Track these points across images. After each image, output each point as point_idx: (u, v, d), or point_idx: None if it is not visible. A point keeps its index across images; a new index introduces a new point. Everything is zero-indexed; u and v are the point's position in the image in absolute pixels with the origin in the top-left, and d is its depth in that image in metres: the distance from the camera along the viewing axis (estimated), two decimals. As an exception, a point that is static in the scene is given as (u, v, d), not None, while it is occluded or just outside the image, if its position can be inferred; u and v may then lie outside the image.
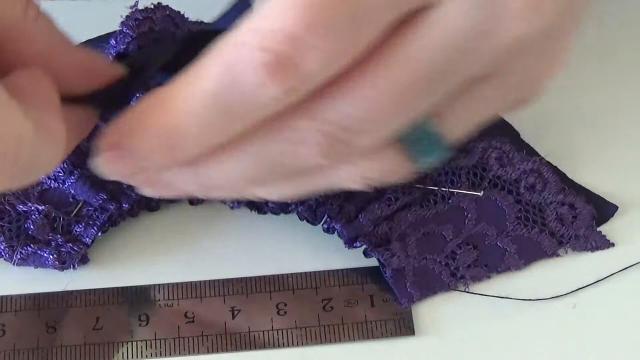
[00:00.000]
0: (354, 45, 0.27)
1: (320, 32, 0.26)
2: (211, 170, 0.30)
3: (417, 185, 0.46)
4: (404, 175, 0.33)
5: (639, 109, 0.51)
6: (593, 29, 0.32)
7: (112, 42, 0.48)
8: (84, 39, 0.50)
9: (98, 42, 0.50)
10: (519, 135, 0.49)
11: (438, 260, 0.45)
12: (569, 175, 0.48)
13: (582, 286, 0.45)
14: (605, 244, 0.46)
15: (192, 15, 0.50)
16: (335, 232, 0.45)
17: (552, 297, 0.45)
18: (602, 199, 0.47)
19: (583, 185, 0.47)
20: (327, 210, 0.45)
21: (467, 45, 0.28)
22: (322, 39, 0.26)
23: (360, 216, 0.45)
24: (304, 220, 0.46)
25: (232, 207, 0.46)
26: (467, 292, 0.44)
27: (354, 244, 0.45)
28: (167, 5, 0.49)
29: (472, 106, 0.31)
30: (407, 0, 0.28)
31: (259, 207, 0.47)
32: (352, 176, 0.32)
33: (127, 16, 0.48)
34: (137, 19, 0.48)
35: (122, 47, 0.48)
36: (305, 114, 0.28)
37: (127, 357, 0.43)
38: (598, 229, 0.46)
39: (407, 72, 0.28)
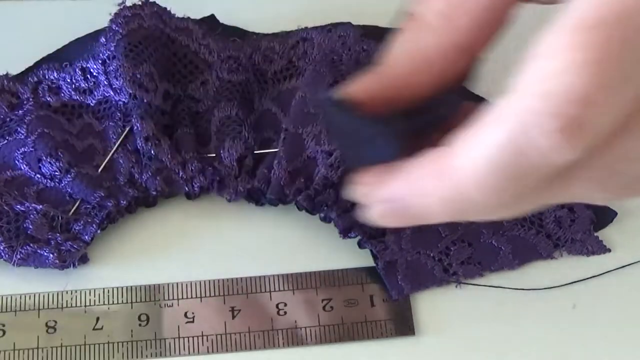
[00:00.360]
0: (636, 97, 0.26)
1: (611, 90, 0.25)
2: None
3: None
4: None
5: None
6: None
7: (102, 39, 0.48)
8: (73, 38, 0.51)
9: (88, 40, 0.50)
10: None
11: (431, 255, 0.45)
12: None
13: (578, 279, 0.45)
14: (601, 249, 0.46)
15: (178, 11, 0.51)
16: (332, 222, 0.45)
17: (547, 288, 0.45)
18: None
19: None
20: (324, 199, 0.45)
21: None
22: (613, 96, 0.25)
23: (356, 207, 0.45)
24: (303, 210, 0.46)
25: (229, 200, 0.46)
26: (461, 284, 0.45)
27: (349, 234, 0.45)
28: (155, 2, 0.49)
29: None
30: None
31: (257, 198, 0.47)
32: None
33: (115, 14, 0.48)
34: (125, 16, 0.48)
35: (112, 44, 0.47)
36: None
37: (127, 357, 0.43)
38: (596, 234, 0.46)
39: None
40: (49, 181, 0.46)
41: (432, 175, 0.28)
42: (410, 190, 0.28)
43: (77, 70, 0.49)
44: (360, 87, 0.28)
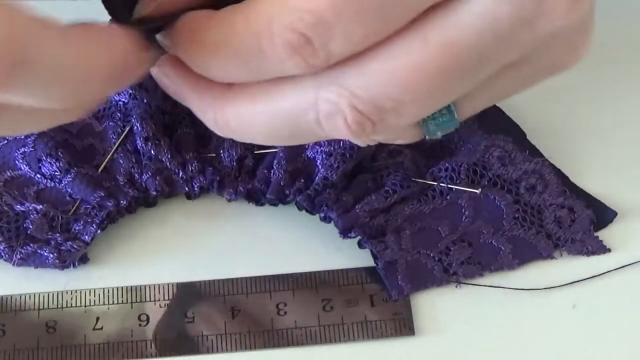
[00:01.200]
0: (380, 32, 0.28)
1: (348, 19, 0.27)
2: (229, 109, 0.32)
3: (416, 180, 0.46)
4: (407, 140, 0.33)
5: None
6: (596, 33, 0.32)
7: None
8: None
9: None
10: (524, 135, 0.49)
11: (431, 255, 0.45)
12: (571, 179, 0.48)
13: (578, 279, 0.45)
14: (601, 249, 0.46)
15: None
16: (332, 222, 0.45)
17: (547, 288, 0.45)
18: (602, 204, 0.47)
19: (584, 189, 0.48)
20: (324, 199, 0.45)
21: (508, 33, 0.28)
22: (349, 25, 0.28)
23: (357, 207, 0.45)
24: (303, 210, 0.46)
25: (229, 200, 0.46)
26: (461, 283, 0.45)
27: (349, 234, 0.45)
28: None
29: (494, 89, 0.32)
30: None
31: (257, 198, 0.47)
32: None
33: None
34: None
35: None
36: (336, 83, 0.29)
37: (127, 357, 0.43)
38: (596, 234, 0.46)
39: (445, 56, 0.28)
40: (49, 181, 0.46)
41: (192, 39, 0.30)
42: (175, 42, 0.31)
43: (77, 70, 0.49)
44: None
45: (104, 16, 0.48)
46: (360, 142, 0.32)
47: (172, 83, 0.32)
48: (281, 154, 0.46)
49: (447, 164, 0.47)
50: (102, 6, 0.47)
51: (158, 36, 0.32)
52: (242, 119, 0.31)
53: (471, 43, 0.28)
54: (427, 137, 0.33)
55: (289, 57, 0.28)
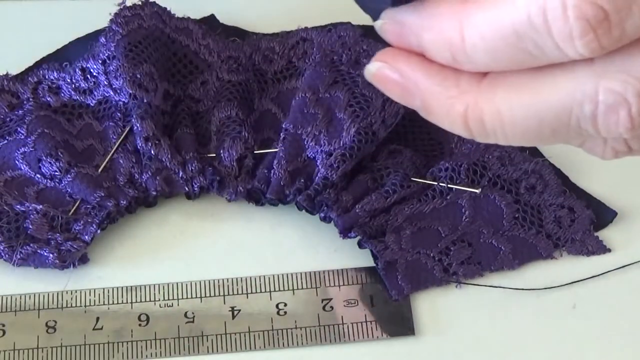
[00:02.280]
0: None
1: None
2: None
3: (416, 180, 0.46)
4: None
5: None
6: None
7: (102, 39, 0.48)
8: (73, 38, 0.51)
9: (88, 40, 0.50)
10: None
11: (431, 255, 0.45)
12: (571, 179, 0.48)
13: (578, 279, 0.45)
14: (601, 249, 0.46)
15: (178, 11, 0.51)
16: (332, 222, 0.45)
17: (547, 288, 0.45)
18: (602, 204, 0.47)
19: (584, 189, 0.48)
20: (324, 199, 0.45)
21: None
22: None
23: (357, 207, 0.45)
24: (303, 210, 0.46)
25: (229, 200, 0.46)
26: (461, 283, 0.45)
27: (349, 234, 0.45)
28: (155, 2, 0.50)
29: None
30: None
31: (257, 198, 0.47)
32: (614, 145, 0.28)
33: (115, 14, 0.48)
34: (125, 16, 0.48)
35: (112, 44, 0.48)
36: (621, 70, 0.25)
37: (127, 357, 0.43)
38: (596, 234, 0.46)
39: None
40: (49, 181, 0.46)
41: (446, 17, 0.26)
42: (421, 23, 0.27)
43: (77, 70, 0.49)
44: None
45: (104, 16, 0.48)
46: (607, 155, 0.28)
47: (404, 78, 0.28)
48: (281, 154, 0.46)
49: (447, 164, 0.47)
50: (101, 6, 0.47)
51: (402, 12, 0.28)
52: (501, 114, 0.27)
53: None
54: None
55: (581, 34, 0.24)
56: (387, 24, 0.29)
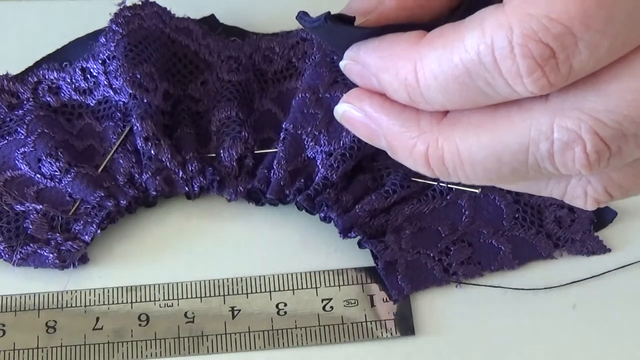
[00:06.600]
0: (627, 44, 0.24)
1: (597, 28, 0.24)
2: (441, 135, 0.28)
3: (416, 180, 0.46)
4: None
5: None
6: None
7: (102, 39, 0.48)
8: (73, 38, 0.51)
9: (88, 40, 0.50)
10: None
11: (431, 255, 0.45)
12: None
13: (578, 279, 0.45)
14: (601, 249, 0.46)
15: (178, 11, 0.51)
16: (332, 222, 0.45)
17: (547, 288, 0.45)
18: (603, 203, 0.47)
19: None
20: (324, 199, 0.45)
21: None
22: (597, 36, 0.24)
23: (357, 207, 0.45)
24: (303, 210, 0.46)
25: (229, 200, 0.46)
26: (461, 283, 0.45)
27: (349, 234, 0.45)
28: (155, 2, 0.50)
29: None
30: None
31: (257, 198, 0.47)
32: (590, 190, 0.28)
33: (115, 14, 0.48)
34: (125, 16, 0.48)
35: (112, 44, 0.48)
36: (574, 107, 0.25)
37: (127, 357, 0.43)
38: (596, 234, 0.46)
39: None
40: (49, 181, 0.46)
41: (401, 58, 0.27)
42: (379, 64, 0.28)
43: (77, 70, 0.49)
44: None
45: (104, 16, 0.48)
46: (584, 203, 0.28)
47: (368, 118, 0.29)
48: (281, 154, 0.46)
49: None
50: (100, 6, 0.47)
51: (361, 53, 0.28)
52: (460, 154, 0.27)
53: None
54: None
55: (529, 72, 0.24)
56: (350, 64, 0.29)
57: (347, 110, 0.30)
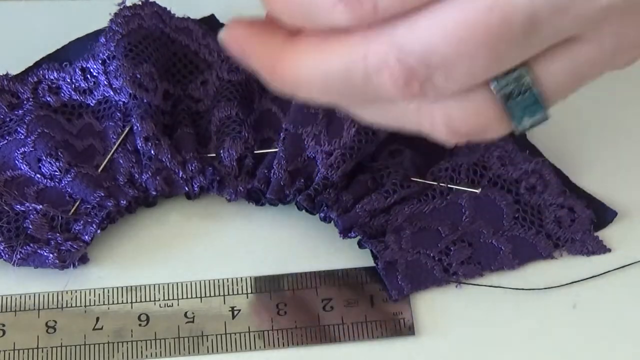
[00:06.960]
0: None
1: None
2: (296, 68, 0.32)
3: (416, 180, 0.46)
4: (500, 132, 0.32)
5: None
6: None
7: (102, 39, 0.48)
8: (73, 38, 0.51)
9: (88, 40, 0.50)
10: (524, 135, 0.48)
11: (431, 255, 0.45)
12: (571, 179, 0.48)
13: (578, 279, 0.45)
14: (601, 249, 0.46)
15: (178, 11, 0.51)
16: (332, 222, 0.45)
17: (547, 288, 0.45)
18: (602, 204, 0.47)
19: (584, 189, 0.47)
20: (324, 199, 0.45)
21: (560, 2, 0.28)
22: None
23: (357, 207, 0.45)
24: (303, 210, 0.46)
25: (229, 200, 0.46)
26: (461, 283, 0.45)
27: (349, 234, 0.45)
28: (155, 2, 0.50)
29: (568, 67, 0.31)
30: None
31: (257, 198, 0.47)
32: (436, 119, 0.31)
33: (115, 13, 0.48)
34: (125, 16, 0.48)
35: (112, 44, 0.48)
36: (385, 37, 0.29)
37: (127, 357, 0.43)
38: (596, 234, 0.46)
39: (495, 15, 0.28)
40: (49, 181, 0.46)
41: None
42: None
43: (77, 70, 0.49)
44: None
45: (104, 16, 0.48)
46: (441, 132, 0.31)
47: (239, 39, 0.33)
48: (281, 154, 0.46)
49: (447, 164, 0.47)
50: (101, 6, 0.47)
51: None
52: (298, 70, 0.31)
53: (524, 5, 0.28)
54: (516, 127, 0.31)
55: (333, 4, 0.28)
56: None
57: (224, 35, 0.33)
